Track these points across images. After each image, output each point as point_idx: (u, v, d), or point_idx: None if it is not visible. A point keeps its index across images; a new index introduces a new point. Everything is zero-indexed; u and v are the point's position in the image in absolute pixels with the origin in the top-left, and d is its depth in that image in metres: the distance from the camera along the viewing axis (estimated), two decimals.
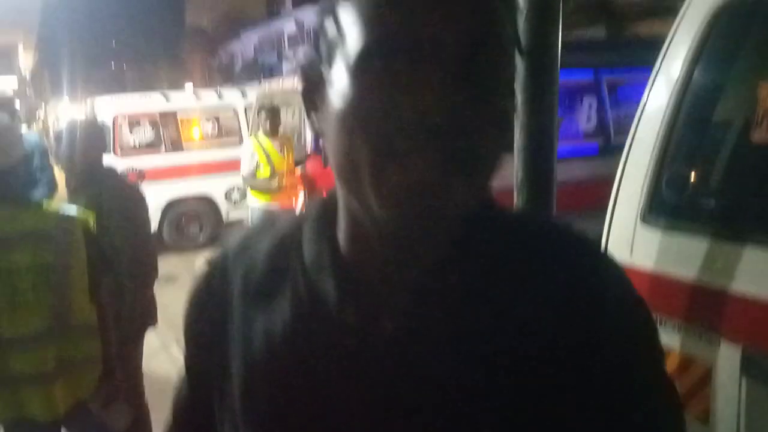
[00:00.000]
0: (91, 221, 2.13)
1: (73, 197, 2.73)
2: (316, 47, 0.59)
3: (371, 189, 0.52)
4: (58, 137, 2.89)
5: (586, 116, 4.88)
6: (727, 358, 1.44)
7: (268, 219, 0.74)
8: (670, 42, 1.75)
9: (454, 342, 0.57)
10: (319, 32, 0.59)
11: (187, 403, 0.75)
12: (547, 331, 0.57)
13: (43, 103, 28.09)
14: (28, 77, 22.05)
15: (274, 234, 0.69)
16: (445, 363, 0.57)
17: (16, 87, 19.58)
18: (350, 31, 0.53)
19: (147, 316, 2.97)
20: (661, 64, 1.76)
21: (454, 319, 0.58)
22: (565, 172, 3.79)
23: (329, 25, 0.57)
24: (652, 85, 1.76)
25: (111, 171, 3.02)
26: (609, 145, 4.73)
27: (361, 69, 0.52)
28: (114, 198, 2.71)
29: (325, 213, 0.66)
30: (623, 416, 0.57)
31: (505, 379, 0.56)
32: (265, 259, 0.67)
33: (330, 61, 0.56)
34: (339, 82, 0.54)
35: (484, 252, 0.60)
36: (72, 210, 2.12)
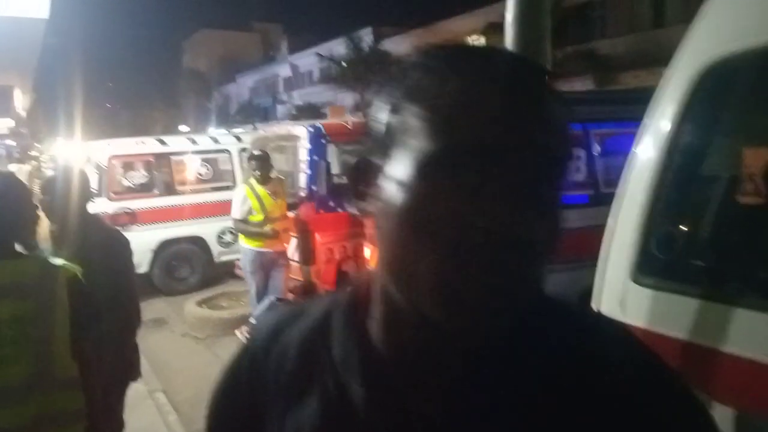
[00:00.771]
0: (77, 271, 2.08)
1: (56, 245, 2.70)
2: (374, 138, 0.58)
3: (430, 293, 0.51)
4: (44, 186, 2.86)
5: (575, 167, 4.92)
6: (720, 419, 1.41)
7: (299, 306, 0.72)
8: (658, 99, 1.75)
9: None
10: (378, 124, 0.58)
11: None
12: None
13: (36, 144, 28.21)
14: (23, 115, 22.20)
15: (305, 324, 0.68)
16: None
17: (12, 125, 19.69)
18: (418, 132, 0.52)
19: (130, 368, 2.91)
20: (649, 121, 1.75)
21: (494, 423, 0.55)
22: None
23: (394, 121, 0.55)
24: (640, 142, 1.76)
25: (95, 218, 3.01)
26: (599, 193, 4.78)
27: (428, 173, 0.51)
28: (98, 245, 2.68)
29: (355, 303, 0.64)
30: None
31: None
32: (295, 353, 0.66)
33: (388, 155, 0.55)
34: (401, 180, 0.53)
35: (524, 352, 0.57)
36: (56, 260, 2.08)
